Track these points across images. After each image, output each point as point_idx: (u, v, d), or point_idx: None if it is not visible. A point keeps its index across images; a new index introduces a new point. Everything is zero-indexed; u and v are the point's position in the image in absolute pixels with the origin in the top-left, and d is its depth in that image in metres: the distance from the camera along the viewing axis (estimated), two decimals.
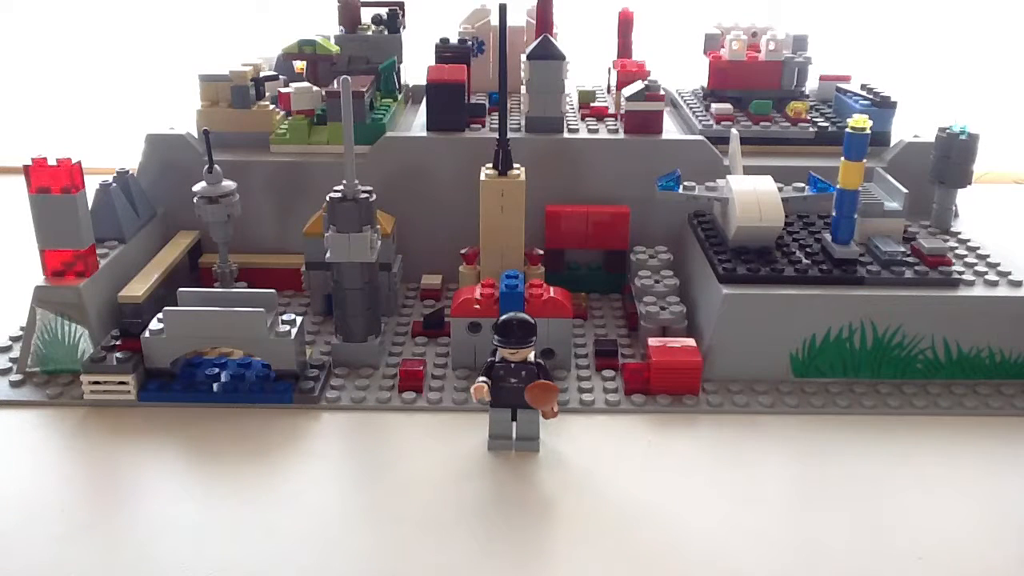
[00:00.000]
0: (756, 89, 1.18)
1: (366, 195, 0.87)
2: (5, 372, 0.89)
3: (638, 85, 1.08)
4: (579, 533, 0.69)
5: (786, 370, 0.89)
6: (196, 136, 1.08)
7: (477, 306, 0.89)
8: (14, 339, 0.94)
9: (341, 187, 0.87)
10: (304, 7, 1.53)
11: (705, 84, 1.22)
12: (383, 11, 1.21)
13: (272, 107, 1.11)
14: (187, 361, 0.88)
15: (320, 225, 0.93)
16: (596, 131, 1.09)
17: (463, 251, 1.00)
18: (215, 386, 0.86)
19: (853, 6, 1.68)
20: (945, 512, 0.71)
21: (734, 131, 1.04)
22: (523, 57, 1.07)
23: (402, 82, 1.24)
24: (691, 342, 0.88)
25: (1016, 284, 0.89)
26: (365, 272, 0.88)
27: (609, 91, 1.27)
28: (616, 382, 0.88)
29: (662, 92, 1.08)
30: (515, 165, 0.95)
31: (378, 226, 0.90)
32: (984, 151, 1.02)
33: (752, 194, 0.93)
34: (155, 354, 0.85)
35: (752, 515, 0.71)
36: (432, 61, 1.15)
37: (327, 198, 0.87)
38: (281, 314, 0.88)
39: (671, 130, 1.12)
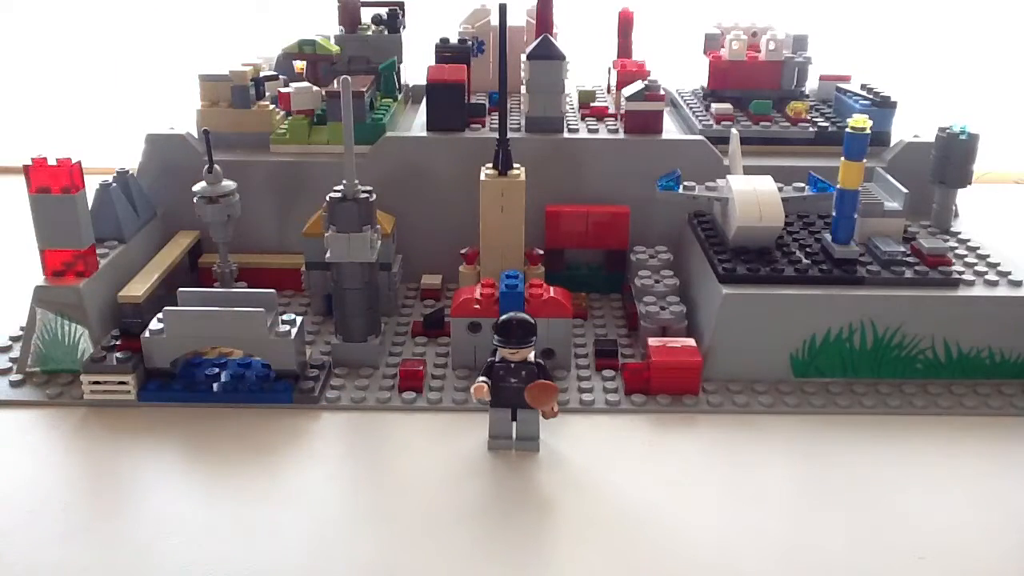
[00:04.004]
0: (756, 89, 1.18)
1: (366, 195, 0.87)
2: (5, 372, 0.89)
3: (638, 85, 1.08)
4: (579, 533, 0.69)
5: (786, 370, 0.89)
6: (196, 136, 1.08)
7: (477, 306, 0.89)
8: (14, 339, 0.94)
9: (341, 187, 0.87)
10: (304, 7, 1.53)
11: (705, 84, 1.22)
12: (383, 11, 1.21)
13: (272, 107, 1.11)
14: (187, 361, 0.88)
15: (320, 225, 0.93)
16: (596, 131, 1.09)
17: (463, 251, 1.00)
18: (215, 386, 0.86)
19: (853, 6, 1.68)
20: (945, 512, 0.71)
21: (734, 131, 1.04)
22: (523, 57, 1.07)
23: (402, 82, 1.24)
24: (691, 342, 0.88)
25: (1016, 284, 0.89)
26: (365, 272, 0.88)
27: (609, 91, 1.27)
28: (616, 382, 0.88)
29: (662, 92, 1.08)
30: (515, 165, 0.95)
31: (378, 226, 0.90)
32: (984, 151, 1.02)
33: (752, 194, 0.93)
34: (155, 354, 0.85)
35: (752, 515, 0.71)
36: (432, 61, 1.15)
37: (327, 198, 0.87)
38: (281, 314, 0.88)
39: (671, 130, 1.12)
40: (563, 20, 1.28)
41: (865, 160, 0.88)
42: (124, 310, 0.92)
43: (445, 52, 1.16)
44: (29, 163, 0.87)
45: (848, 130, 0.87)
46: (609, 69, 1.28)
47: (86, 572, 0.64)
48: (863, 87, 1.16)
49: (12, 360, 0.91)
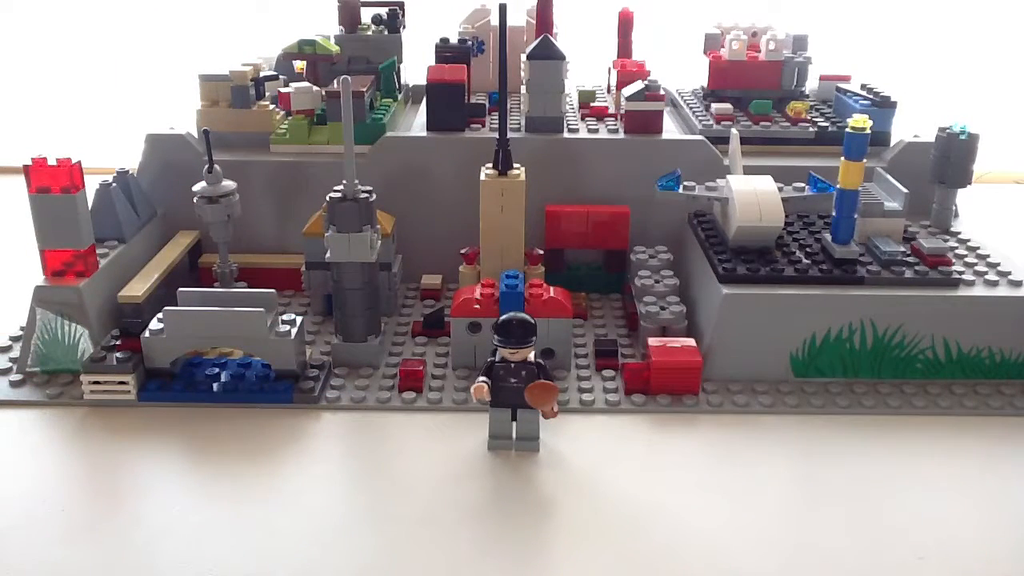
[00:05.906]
0: (756, 89, 1.18)
1: (366, 195, 0.87)
2: (5, 372, 0.89)
3: (638, 85, 1.08)
4: (579, 533, 0.69)
5: (786, 370, 0.89)
6: (196, 136, 1.08)
7: (477, 306, 0.89)
8: (14, 339, 0.94)
9: (341, 187, 0.87)
10: (304, 7, 1.53)
11: (705, 84, 1.22)
12: (383, 11, 1.21)
13: (272, 107, 1.11)
14: (187, 361, 0.88)
15: (320, 225, 0.93)
16: (596, 131, 1.09)
17: (463, 251, 1.00)
18: (215, 386, 0.86)
19: (853, 6, 1.68)
20: (945, 512, 0.71)
21: (734, 131, 1.04)
22: (523, 57, 1.07)
23: (402, 82, 1.24)
24: (691, 342, 0.88)
25: (1016, 284, 0.89)
26: (365, 272, 0.88)
27: (609, 91, 1.27)
28: (616, 382, 0.88)
29: (662, 92, 1.08)
30: (515, 165, 0.95)
31: (378, 226, 0.90)
32: (984, 151, 1.02)
33: (752, 194, 0.93)
34: (155, 354, 0.85)
35: (752, 515, 0.71)
36: (432, 61, 1.15)
37: (327, 198, 0.87)
38: (281, 314, 0.88)
39: (671, 130, 1.12)
40: (563, 20, 1.28)
41: (865, 160, 0.88)
42: (124, 310, 0.92)
43: (445, 52, 1.16)
44: (29, 163, 0.87)
45: (848, 130, 0.87)
46: (609, 69, 1.28)
47: (86, 572, 0.64)
48: (863, 87, 1.16)
49: (12, 360, 0.91)
